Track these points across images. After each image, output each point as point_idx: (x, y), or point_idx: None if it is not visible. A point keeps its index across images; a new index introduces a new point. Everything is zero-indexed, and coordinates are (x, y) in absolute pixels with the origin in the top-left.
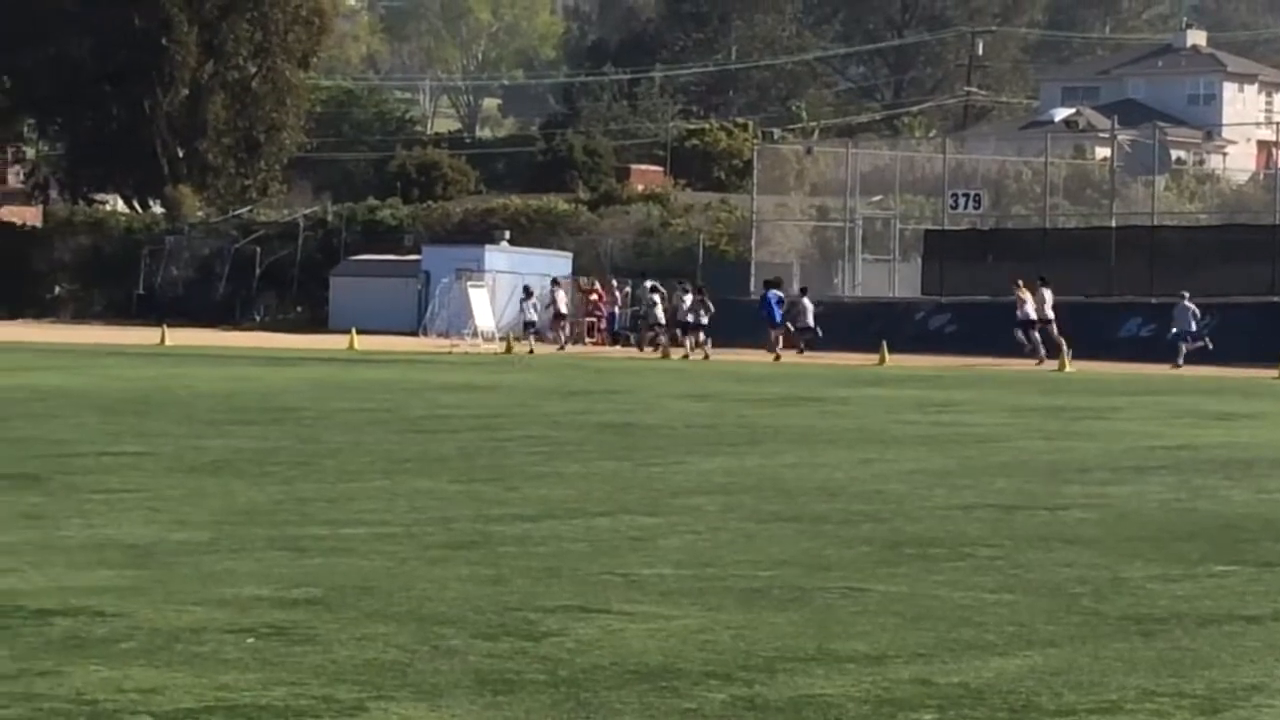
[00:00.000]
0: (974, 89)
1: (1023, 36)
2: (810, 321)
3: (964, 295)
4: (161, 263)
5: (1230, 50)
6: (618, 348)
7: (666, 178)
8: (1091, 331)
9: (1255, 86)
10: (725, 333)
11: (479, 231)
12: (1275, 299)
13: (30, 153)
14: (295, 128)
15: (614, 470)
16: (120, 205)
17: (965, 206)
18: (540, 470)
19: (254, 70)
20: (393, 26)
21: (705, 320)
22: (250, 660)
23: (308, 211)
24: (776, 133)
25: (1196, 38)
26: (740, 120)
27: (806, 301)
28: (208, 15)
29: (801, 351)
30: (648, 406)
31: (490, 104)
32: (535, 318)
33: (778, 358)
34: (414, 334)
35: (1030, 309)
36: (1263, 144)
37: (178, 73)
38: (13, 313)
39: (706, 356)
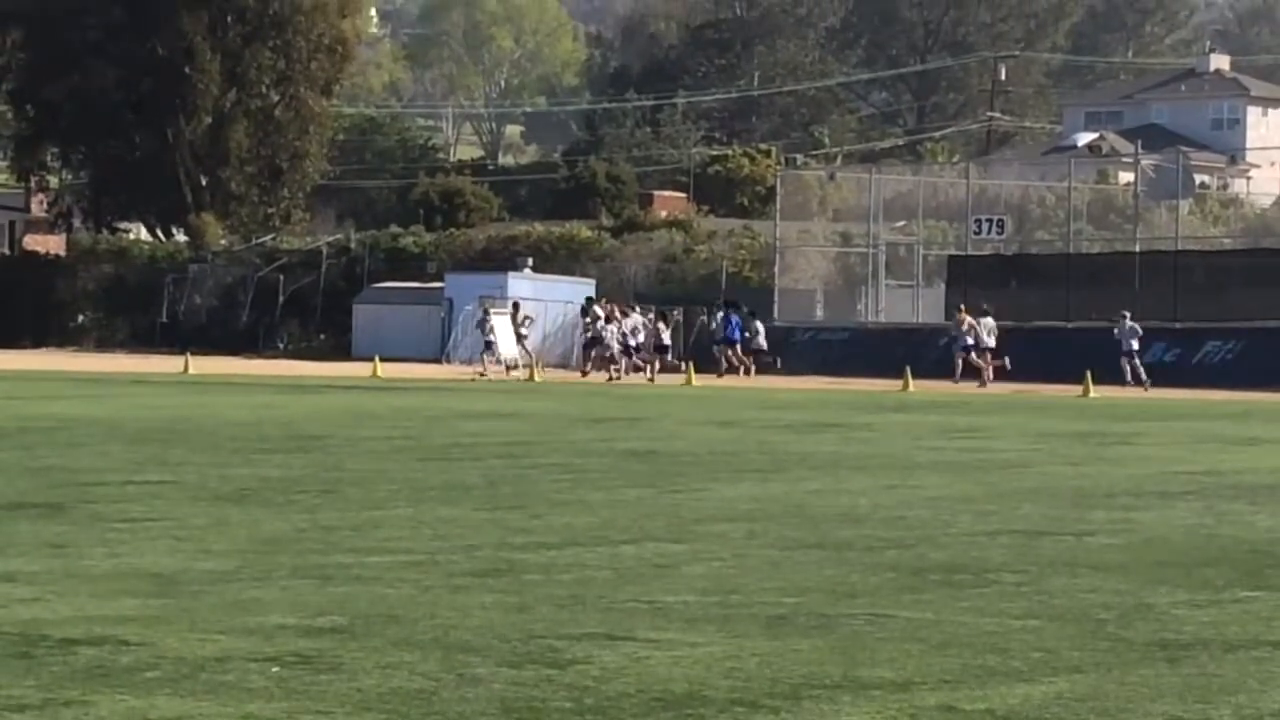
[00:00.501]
0: (997, 114)
1: (1045, 61)
2: (763, 344)
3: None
4: (185, 291)
5: (1253, 74)
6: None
7: (689, 204)
8: (1116, 357)
9: (1279, 110)
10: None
11: (502, 259)
12: None
13: (54, 182)
14: (318, 155)
15: (638, 497)
16: (144, 234)
17: (989, 232)
18: (565, 498)
19: (277, 98)
20: (415, 54)
21: (638, 341)
22: (275, 689)
23: (331, 239)
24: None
25: (1220, 62)
26: (763, 146)
27: (758, 324)
28: (230, 44)
29: (748, 373)
30: (671, 434)
31: (513, 131)
32: (493, 339)
33: (720, 375)
34: (437, 361)
35: (968, 334)
36: None
37: (201, 101)
38: (37, 342)
39: (651, 380)
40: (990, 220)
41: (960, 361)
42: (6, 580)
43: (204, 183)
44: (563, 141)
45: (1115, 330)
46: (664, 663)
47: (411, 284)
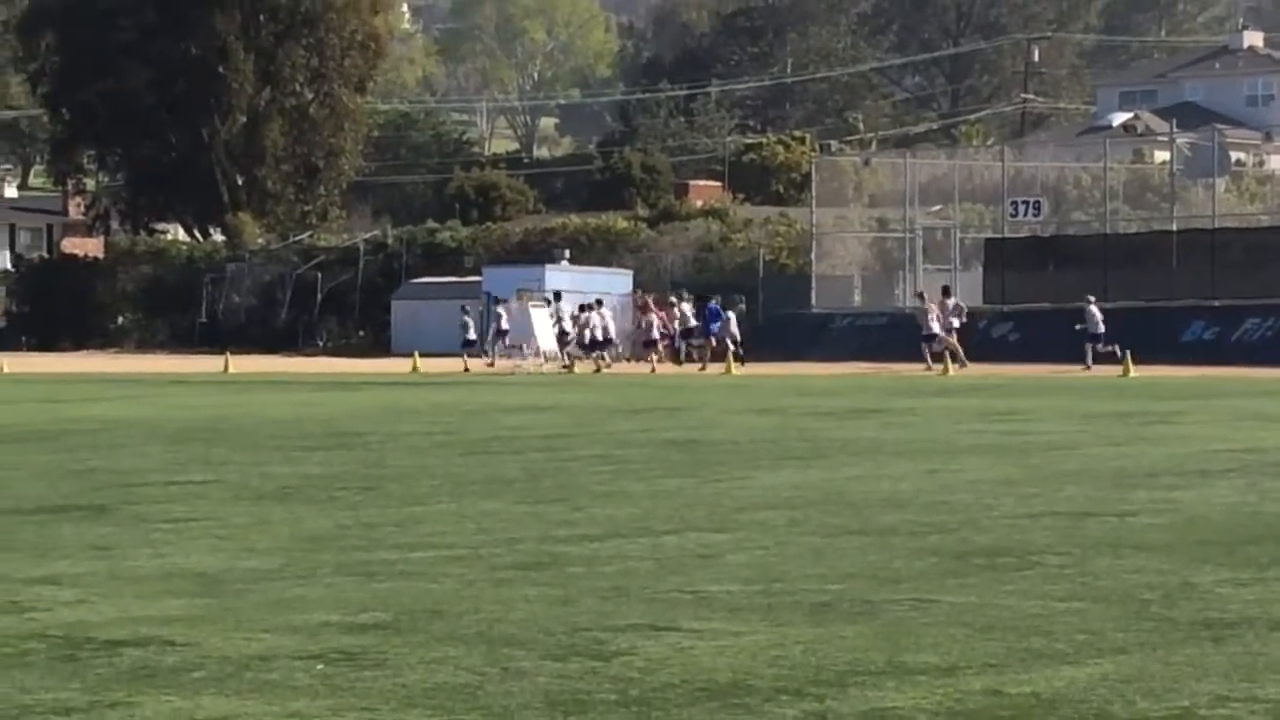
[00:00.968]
0: (1031, 96)
1: (1078, 42)
2: (735, 333)
3: (1026, 303)
4: (223, 290)
5: None
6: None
7: (725, 192)
8: (1155, 336)
9: None
10: (787, 345)
11: (539, 251)
12: None
13: (90, 184)
14: (353, 152)
15: (679, 487)
16: (181, 234)
17: (1025, 214)
18: (606, 489)
19: (311, 96)
20: (448, 49)
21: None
22: (320, 687)
23: (368, 236)
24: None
25: (1253, 39)
26: (797, 133)
27: (730, 313)
28: (264, 43)
29: (699, 363)
30: (711, 423)
31: (547, 123)
32: (474, 336)
33: (703, 367)
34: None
35: (934, 322)
36: None
37: (235, 100)
38: (77, 344)
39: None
40: (1026, 202)
41: (927, 349)
42: (51, 583)
43: (240, 182)
44: (597, 133)
45: (1084, 313)
46: (708, 652)
47: (449, 279)
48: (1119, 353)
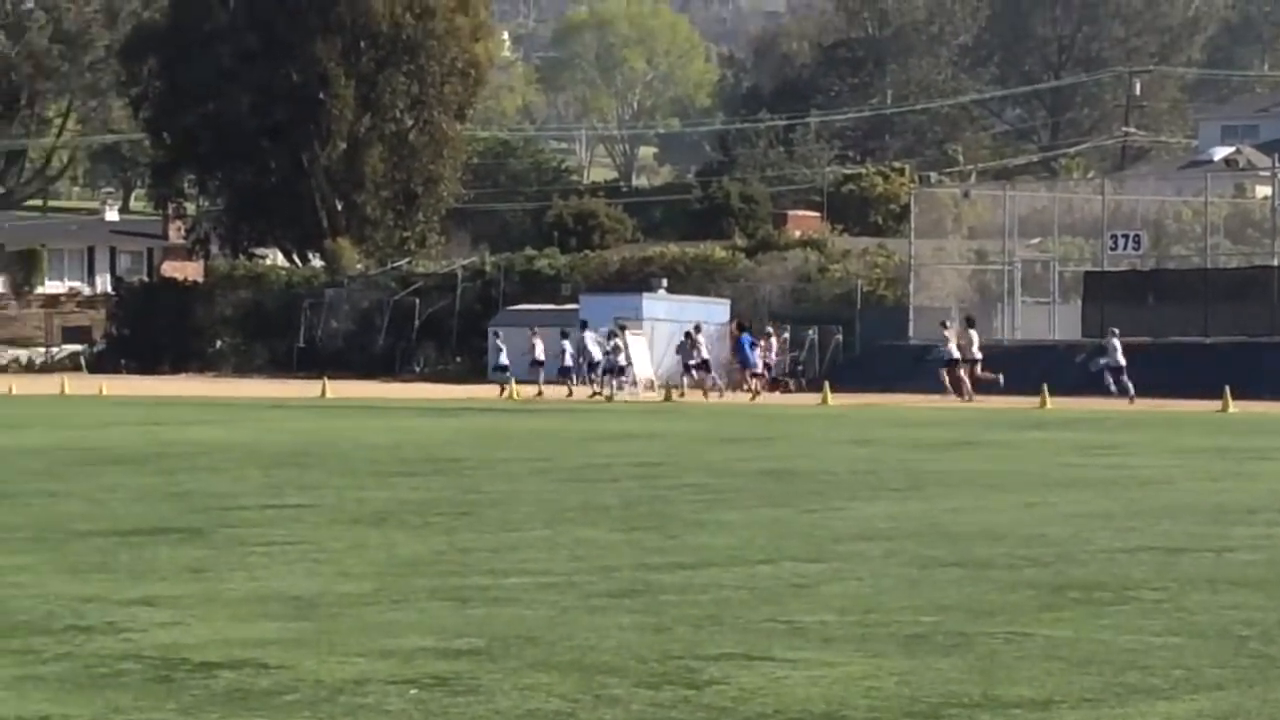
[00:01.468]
0: (1132, 129)
1: (1180, 76)
2: (773, 358)
3: (1125, 337)
4: (321, 315)
5: None
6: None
7: (823, 223)
8: (1255, 371)
9: None
10: (885, 377)
11: (637, 280)
12: None
13: (191, 208)
14: (452, 179)
15: (774, 517)
16: (280, 259)
17: (1125, 247)
18: (701, 518)
19: (411, 123)
20: (548, 77)
21: (623, 362)
22: (414, 711)
23: (466, 262)
24: (933, 176)
25: None
26: (897, 164)
27: (773, 340)
28: (365, 69)
29: (755, 395)
30: (806, 452)
31: (646, 152)
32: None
33: (755, 396)
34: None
35: (954, 349)
36: None
37: (335, 127)
38: (176, 367)
39: (610, 398)
40: (1126, 236)
41: (946, 376)
42: (147, 604)
43: (339, 207)
44: (696, 162)
45: (1106, 346)
46: (801, 683)
47: (547, 306)
48: (1131, 391)
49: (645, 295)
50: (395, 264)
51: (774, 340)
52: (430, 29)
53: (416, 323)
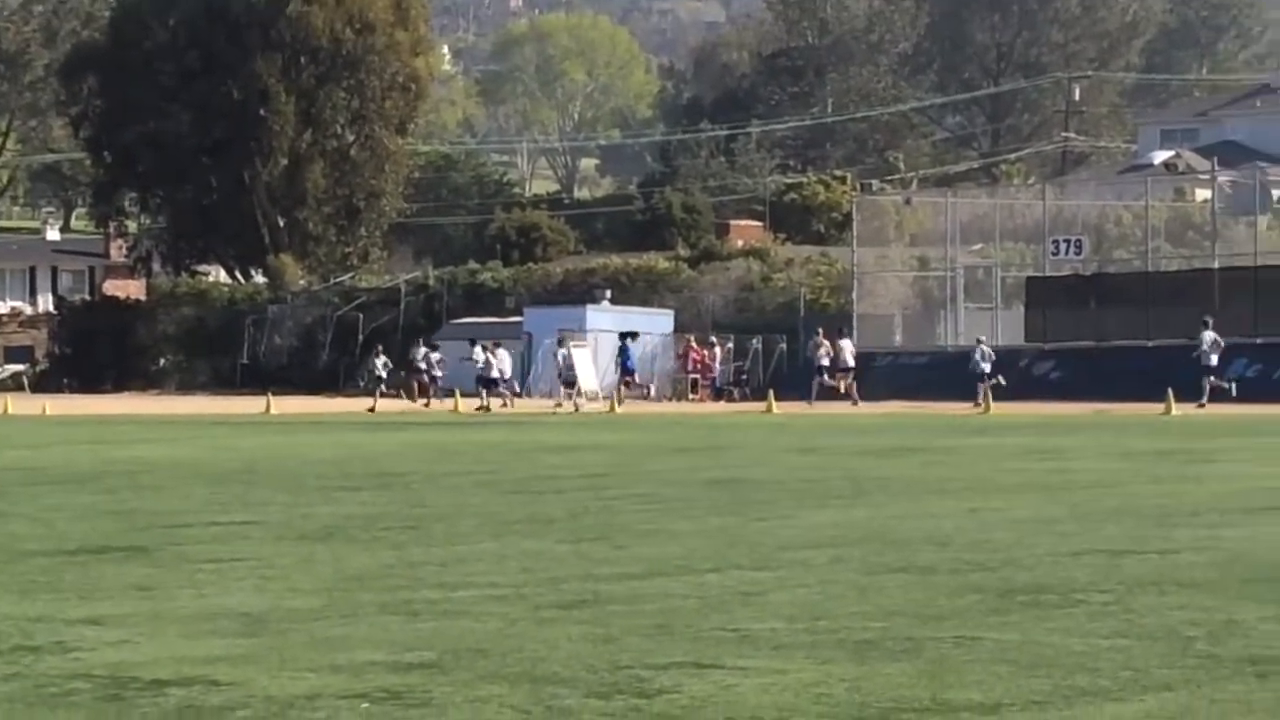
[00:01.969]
0: (1072, 134)
1: (1119, 81)
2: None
3: (1068, 341)
4: (265, 332)
5: None
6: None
7: (766, 232)
8: (1197, 374)
9: None
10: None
11: (580, 292)
12: None
13: (133, 226)
14: (394, 194)
15: (722, 526)
16: (222, 276)
17: (1066, 252)
18: (648, 528)
19: (352, 138)
20: (488, 90)
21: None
22: None
23: (409, 277)
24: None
25: None
26: (838, 173)
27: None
28: (305, 85)
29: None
30: (754, 461)
31: (588, 164)
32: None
33: (575, 408)
34: (518, 395)
35: (824, 357)
36: None
37: (276, 143)
38: (118, 385)
39: (499, 406)
40: (1068, 241)
41: (816, 384)
42: (94, 623)
43: (281, 224)
44: (638, 173)
45: (976, 354)
46: (752, 690)
47: (490, 319)
48: (1003, 381)
49: (589, 307)
50: (338, 279)
51: (717, 350)
52: (370, 44)
53: (360, 338)
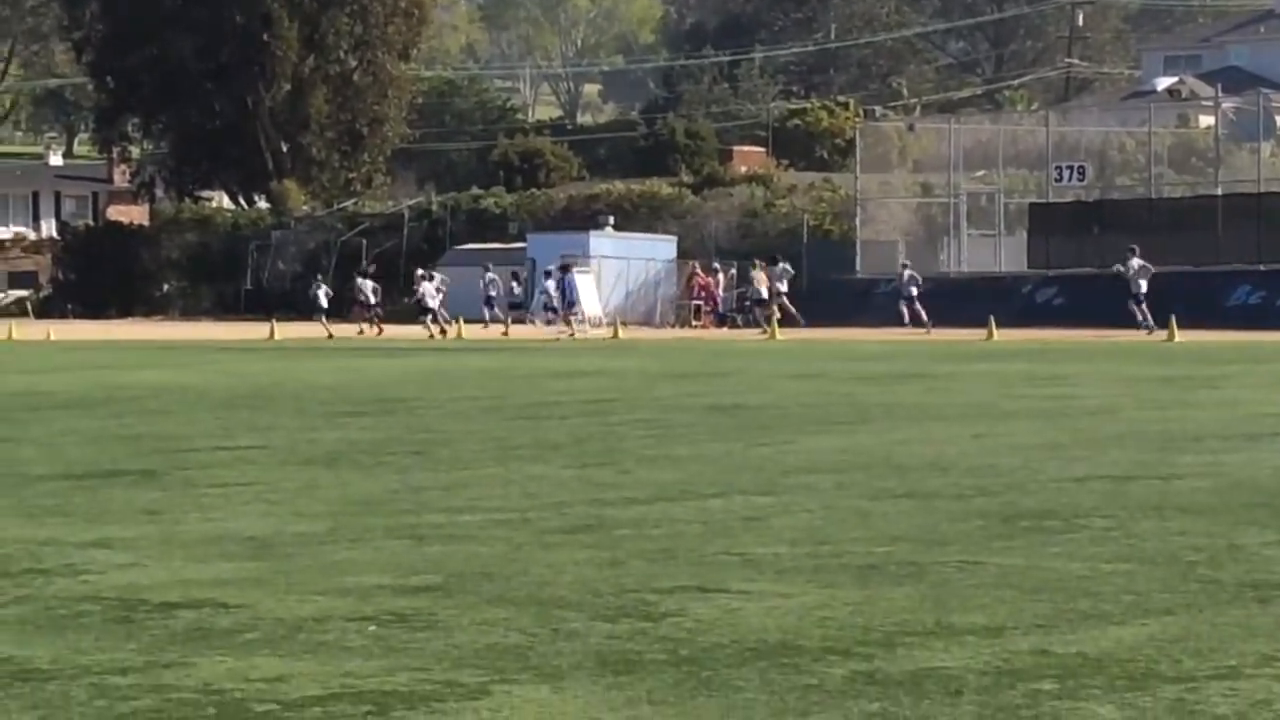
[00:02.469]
0: (1075, 61)
1: (1123, 6)
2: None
3: (1070, 268)
4: (268, 258)
5: None
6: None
7: (769, 159)
8: (1200, 300)
9: None
10: (832, 311)
11: (583, 218)
12: None
13: (135, 152)
14: (397, 119)
15: (725, 451)
16: (226, 201)
17: (1069, 179)
18: (652, 453)
19: (355, 63)
20: (491, 15)
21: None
22: (374, 647)
23: (412, 203)
24: (878, 110)
25: None
26: (841, 99)
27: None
28: (308, 10)
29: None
30: (756, 387)
31: (590, 90)
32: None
33: (573, 334)
34: (521, 322)
35: (763, 289)
36: None
37: (279, 68)
38: (123, 311)
39: (442, 333)
40: (1071, 167)
41: (759, 313)
42: (103, 546)
43: (285, 149)
44: (641, 99)
45: (896, 280)
46: (756, 614)
47: (494, 245)
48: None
49: (592, 233)
50: (341, 205)
51: (720, 276)
52: None
53: (364, 263)
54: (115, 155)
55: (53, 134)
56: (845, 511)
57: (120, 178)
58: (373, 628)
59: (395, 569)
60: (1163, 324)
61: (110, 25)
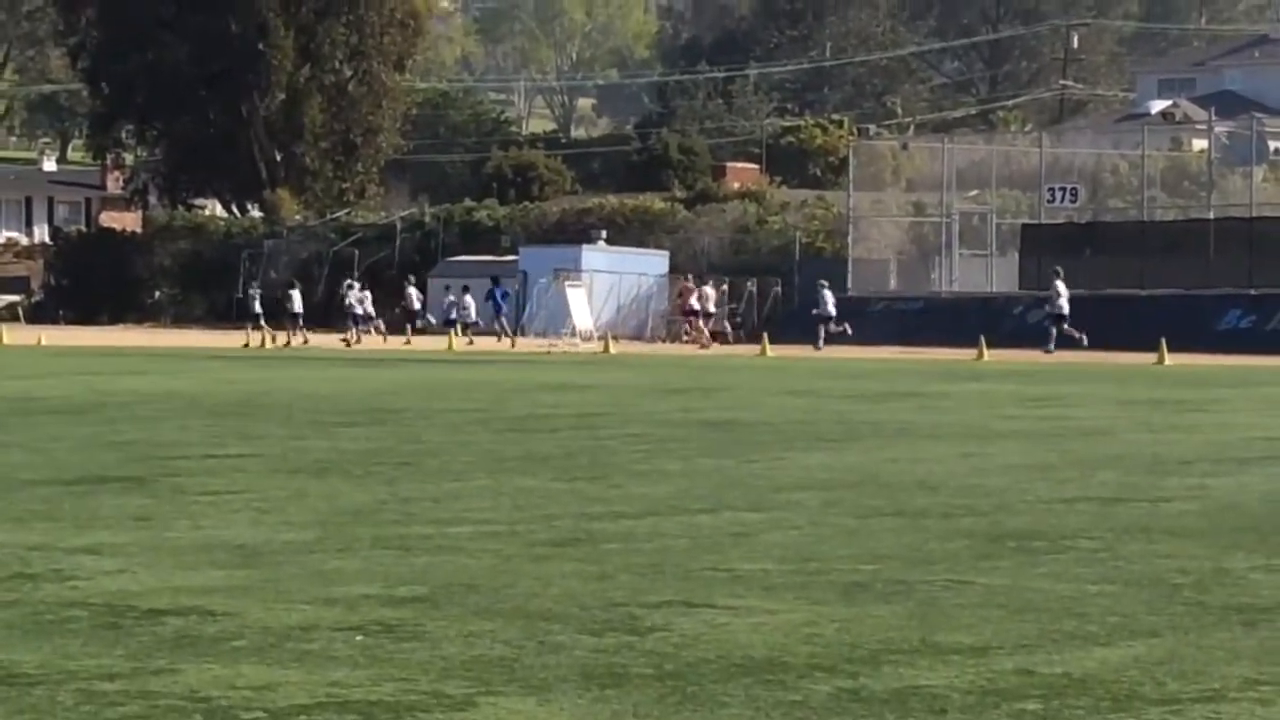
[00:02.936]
0: (1070, 82)
1: (1118, 29)
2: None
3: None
4: (260, 266)
5: None
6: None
7: (762, 175)
8: (1191, 324)
9: None
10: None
11: (576, 231)
12: None
13: (129, 159)
14: (392, 130)
15: (715, 467)
16: (219, 210)
17: (1062, 200)
18: (642, 468)
19: (350, 74)
20: (487, 28)
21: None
22: (360, 657)
23: (405, 213)
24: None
25: None
26: (835, 117)
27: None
28: (304, 19)
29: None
30: (747, 403)
31: (585, 104)
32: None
33: (513, 344)
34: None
35: (694, 302)
36: None
37: (274, 77)
38: (114, 318)
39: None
40: (1064, 189)
41: (688, 327)
42: (92, 552)
43: (278, 158)
44: (635, 114)
45: (819, 295)
46: (743, 629)
47: (486, 257)
48: (849, 331)
49: (585, 247)
50: (334, 215)
51: (710, 291)
52: None
53: (355, 273)
54: (109, 162)
55: (47, 139)
56: (833, 529)
57: (114, 184)
58: (360, 637)
59: (383, 579)
60: (1152, 347)
61: (106, 31)
